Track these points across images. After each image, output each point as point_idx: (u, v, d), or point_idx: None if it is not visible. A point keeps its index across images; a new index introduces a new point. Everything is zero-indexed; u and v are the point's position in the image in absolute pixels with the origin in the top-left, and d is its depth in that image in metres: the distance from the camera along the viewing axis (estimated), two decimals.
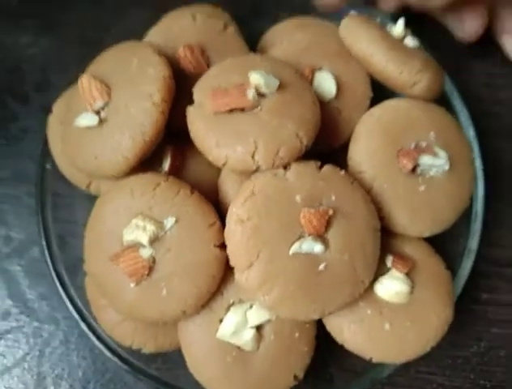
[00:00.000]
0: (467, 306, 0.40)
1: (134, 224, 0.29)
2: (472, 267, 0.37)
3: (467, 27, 0.39)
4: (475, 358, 0.39)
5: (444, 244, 0.35)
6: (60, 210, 0.38)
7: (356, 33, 0.33)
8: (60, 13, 0.45)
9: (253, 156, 0.28)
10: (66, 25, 0.45)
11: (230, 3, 0.40)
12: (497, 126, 0.44)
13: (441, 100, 0.36)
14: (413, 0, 0.38)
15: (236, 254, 0.28)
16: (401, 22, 0.34)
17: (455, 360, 0.39)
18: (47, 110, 0.40)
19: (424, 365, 0.39)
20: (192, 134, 0.30)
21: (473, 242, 0.36)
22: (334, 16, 0.40)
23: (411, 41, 0.35)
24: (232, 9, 0.41)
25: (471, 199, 0.36)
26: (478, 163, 0.38)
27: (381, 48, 0.32)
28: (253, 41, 0.40)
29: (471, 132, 0.38)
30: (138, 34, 0.38)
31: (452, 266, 0.36)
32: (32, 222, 0.40)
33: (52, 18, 0.45)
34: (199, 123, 0.30)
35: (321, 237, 0.29)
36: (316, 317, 0.29)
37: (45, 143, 0.36)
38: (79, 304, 0.36)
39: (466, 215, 0.37)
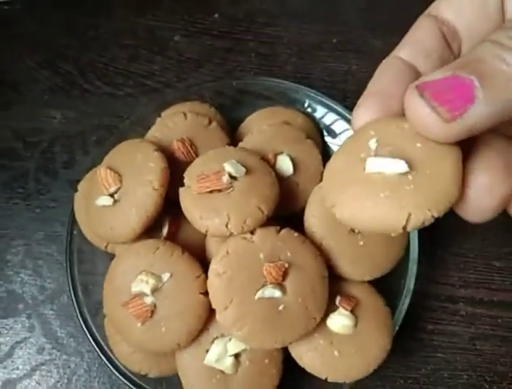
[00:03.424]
0: (416, 336, 0.48)
1: (139, 279, 0.38)
2: (419, 303, 0.46)
3: None
4: (422, 379, 0.47)
5: (390, 284, 0.43)
6: (84, 264, 0.46)
7: None
8: (81, 105, 0.56)
9: (227, 226, 0.37)
10: (87, 114, 0.56)
11: (217, 96, 0.51)
12: None
13: None
14: None
15: (216, 299, 0.37)
16: None
17: (406, 380, 0.47)
18: (72, 183, 0.50)
19: (381, 386, 0.47)
20: (183, 209, 0.39)
21: (411, 282, 0.44)
22: (298, 103, 0.51)
23: None
24: (219, 99, 0.51)
25: (408, 247, 0.44)
26: None
27: None
28: (234, 124, 0.50)
29: None
30: (144, 118, 0.49)
31: (396, 302, 0.44)
32: (62, 274, 0.50)
33: (75, 109, 0.56)
34: (188, 201, 0.39)
35: (279, 285, 0.37)
36: (278, 346, 0.37)
37: (72, 213, 0.46)
38: (99, 339, 0.43)
39: (407, 259, 0.45)
